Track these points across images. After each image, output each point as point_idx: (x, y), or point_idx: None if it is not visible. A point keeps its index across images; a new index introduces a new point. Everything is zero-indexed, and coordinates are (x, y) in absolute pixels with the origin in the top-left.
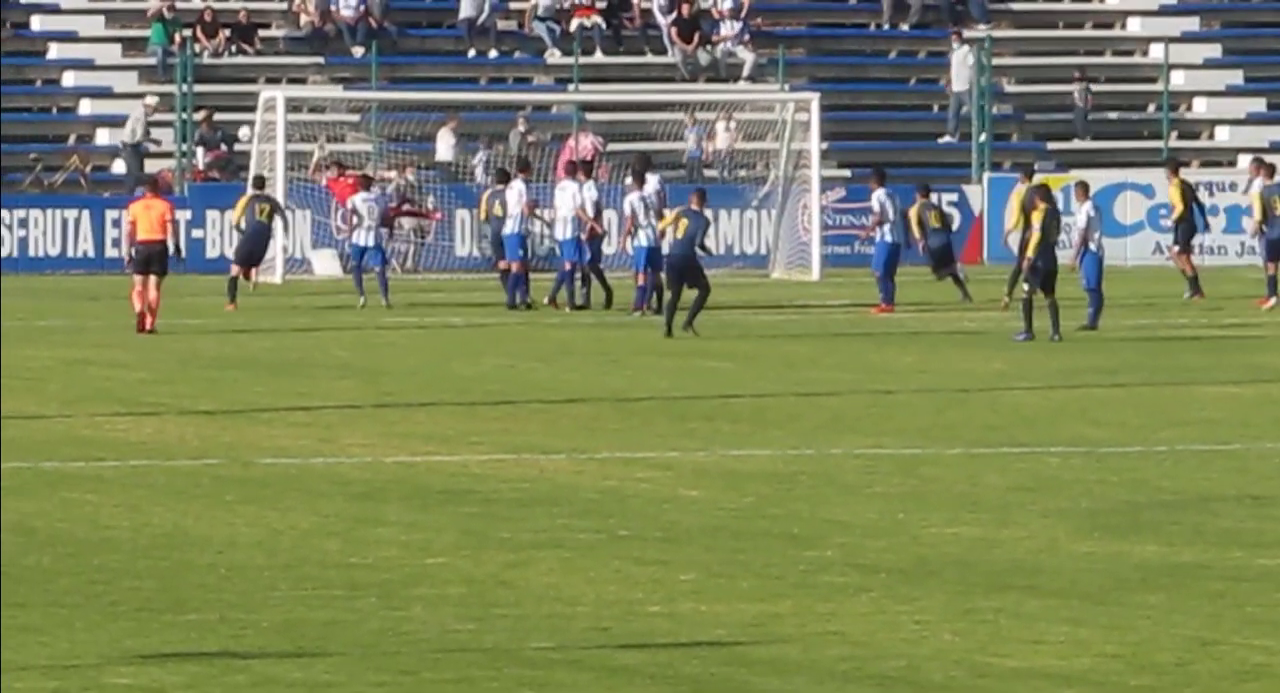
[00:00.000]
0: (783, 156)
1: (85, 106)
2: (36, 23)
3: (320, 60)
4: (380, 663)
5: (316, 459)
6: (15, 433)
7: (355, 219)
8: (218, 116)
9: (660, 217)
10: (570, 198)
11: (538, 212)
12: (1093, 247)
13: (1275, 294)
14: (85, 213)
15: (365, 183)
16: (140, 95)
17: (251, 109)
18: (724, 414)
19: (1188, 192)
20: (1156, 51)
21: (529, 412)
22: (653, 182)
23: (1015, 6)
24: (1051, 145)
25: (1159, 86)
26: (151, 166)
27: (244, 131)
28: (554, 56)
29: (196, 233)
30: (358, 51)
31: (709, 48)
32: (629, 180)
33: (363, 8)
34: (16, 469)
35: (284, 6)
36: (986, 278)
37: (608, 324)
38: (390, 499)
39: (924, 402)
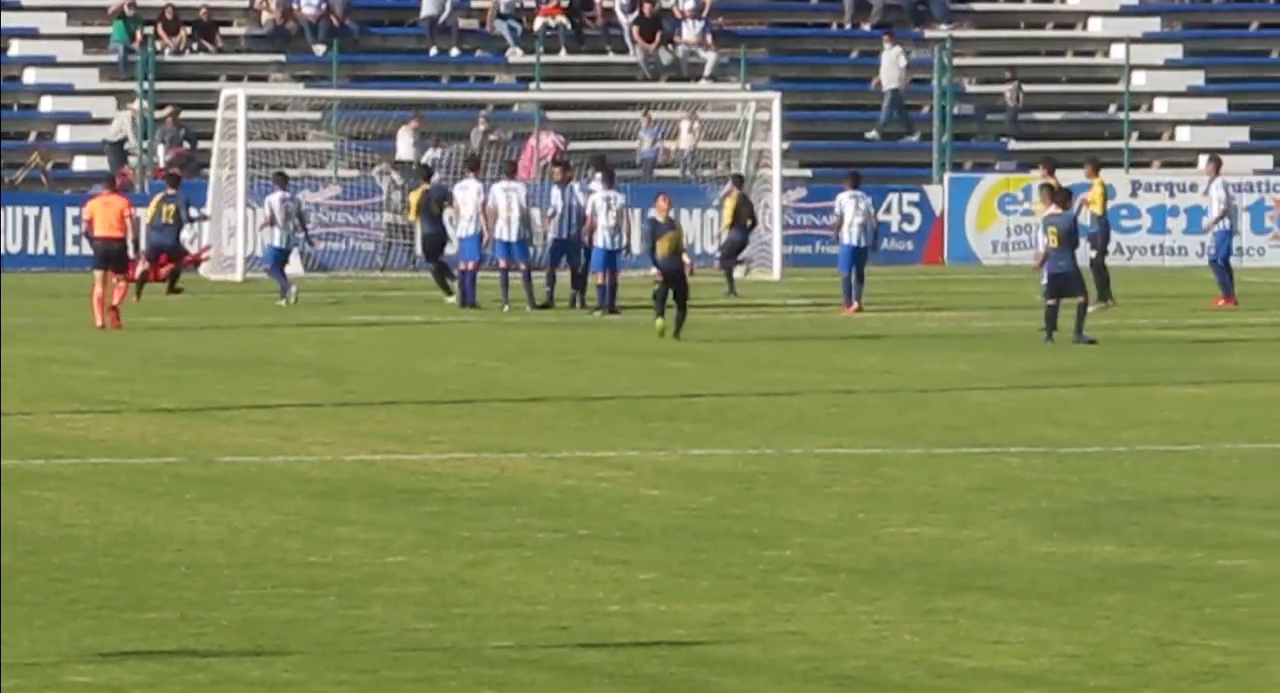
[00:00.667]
0: (744, 156)
1: (47, 104)
2: None
3: (282, 58)
4: (340, 662)
5: (277, 458)
6: None
7: (268, 217)
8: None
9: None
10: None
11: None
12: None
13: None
14: (46, 210)
15: (281, 182)
16: (102, 93)
17: (213, 107)
18: (685, 414)
19: (1107, 194)
20: (1118, 52)
21: (490, 411)
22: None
23: (977, 7)
24: (1013, 145)
25: (1120, 87)
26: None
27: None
28: (516, 55)
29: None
30: (319, 49)
31: (670, 47)
32: (595, 182)
33: (324, 6)
34: None
35: (245, 4)
36: (948, 278)
37: (570, 323)
38: (351, 498)
39: (885, 402)
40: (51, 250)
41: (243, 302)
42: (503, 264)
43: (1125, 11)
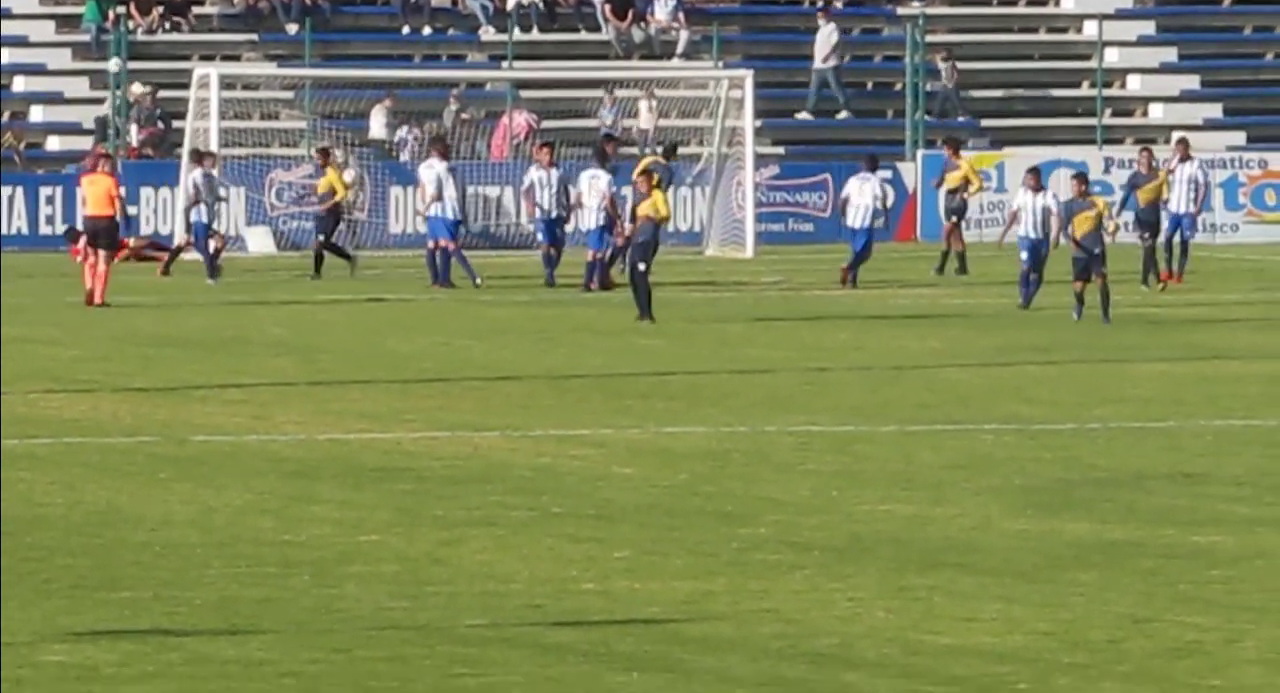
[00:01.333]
0: (717, 134)
1: (19, 84)
2: None
3: (254, 37)
4: (313, 641)
5: (250, 437)
6: None
7: (192, 196)
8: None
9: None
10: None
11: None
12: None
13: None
14: (19, 190)
15: (198, 158)
16: (75, 72)
17: (185, 86)
18: (659, 392)
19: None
20: (1090, 29)
21: (463, 389)
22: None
23: None
24: (985, 123)
25: (1093, 64)
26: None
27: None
28: (488, 33)
29: (130, 210)
30: (292, 28)
31: (643, 25)
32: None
33: None
34: None
35: None
36: (920, 255)
37: (543, 302)
38: (324, 477)
39: (858, 380)
40: (25, 230)
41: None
42: (444, 243)
43: None
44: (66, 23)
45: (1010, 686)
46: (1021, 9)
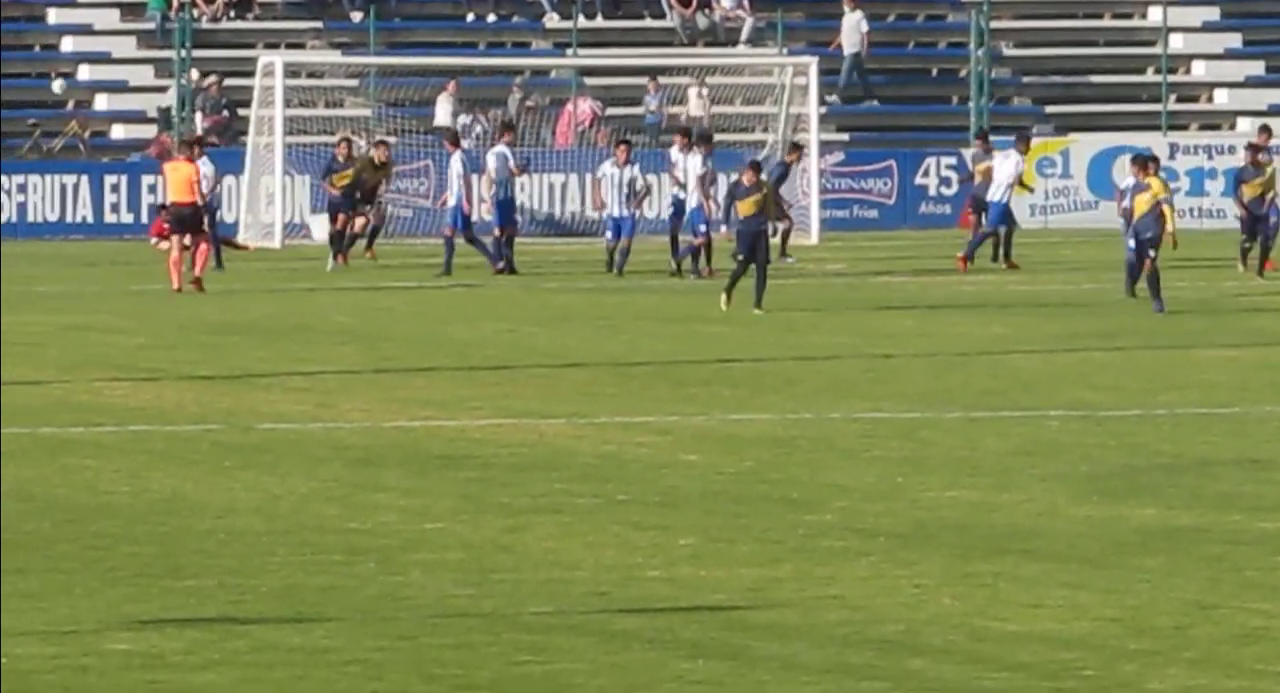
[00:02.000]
0: (781, 120)
1: (84, 72)
2: None
3: (319, 25)
4: (378, 628)
5: (315, 425)
6: (14, 399)
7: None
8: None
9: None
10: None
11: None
12: None
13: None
14: (84, 178)
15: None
16: (140, 61)
17: (250, 74)
18: (723, 379)
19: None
20: (1155, 14)
21: (528, 376)
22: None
23: None
24: (1050, 109)
25: (1158, 50)
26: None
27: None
28: (553, 21)
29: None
30: (356, 16)
31: (707, 12)
32: (675, 148)
33: None
34: (15, 435)
35: None
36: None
37: (606, 289)
38: (388, 465)
39: (923, 366)
40: (90, 218)
41: (281, 268)
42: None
43: None
44: (131, 11)
45: (1076, 672)
46: None
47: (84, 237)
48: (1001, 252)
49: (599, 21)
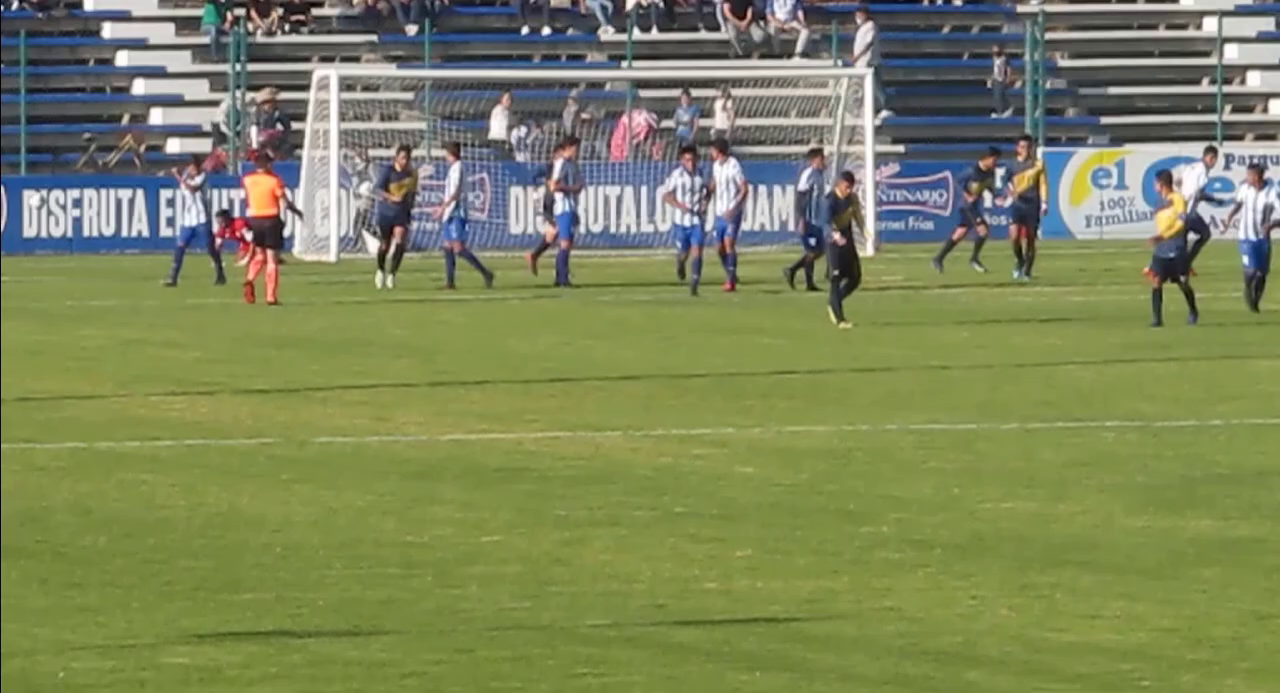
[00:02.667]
0: (836, 132)
1: (139, 87)
2: (90, 3)
3: (374, 38)
4: (436, 642)
5: (372, 438)
6: (71, 413)
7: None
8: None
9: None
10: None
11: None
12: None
13: None
14: (139, 193)
15: (197, 164)
16: (194, 75)
17: (305, 88)
18: (779, 391)
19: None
20: (1210, 25)
21: (584, 389)
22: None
23: None
24: (1105, 120)
25: (1212, 61)
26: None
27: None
28: (607, 33)
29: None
30: (411, 29)
31: (762, 24)
32: (717, 162)
33: None
34: (72, 450)
35: None
36: (1041, 253)
37: (662, 302)
38: (445, 478)
39: (979, 377)
40: (145, 233)
41: (336, 282)
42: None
43: None
44: (186, 25)
45: (1134, 683)
46: (1141, 6)
47: (139, 251)
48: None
49: (654, 34)
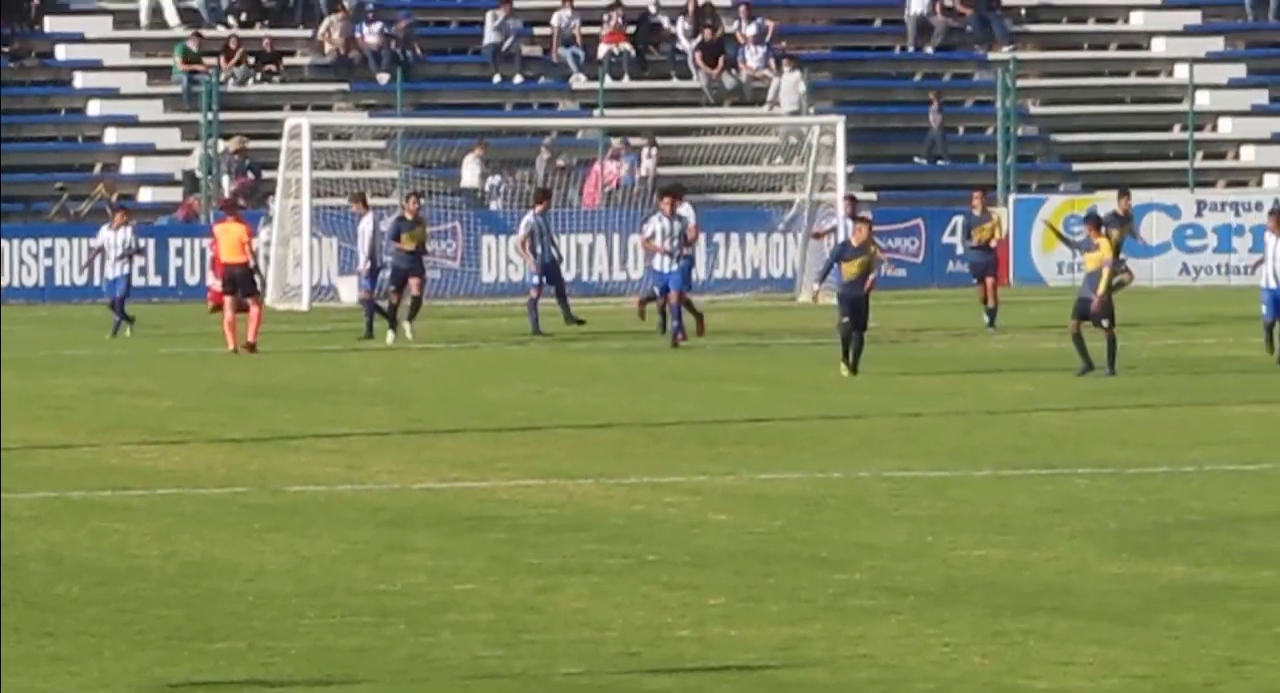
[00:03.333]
0: (808, 179)
1: (111, 135)
2: (62, 52)
3: (345, 87)
4: (410, 690)
5: (344, 486)
6: (44, 462)
7: (100, 256)
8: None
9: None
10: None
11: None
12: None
13: None
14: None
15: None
16: (166, 124)
17: (277, 137)
18: (752, 438)
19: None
20: (1181, 72)
21: (557, 437)
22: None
23: (1039, 28)
24: (1077, 167)
25: (1184, 107)
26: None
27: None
28: (579, 82)
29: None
30: (383, 78)
31: (734, 72)
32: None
33: (387, 34)
34: (45, 499)
35: (308, 34)
36: (1013, 300)
37: (634, 350)
38: (418, 526)
39: (952, 424)
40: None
41: (309, 331)
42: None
43: (1188, 32)
44: (158, 74)
45: None
46: (1112, 53)
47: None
48: None
49: (626, 82)
